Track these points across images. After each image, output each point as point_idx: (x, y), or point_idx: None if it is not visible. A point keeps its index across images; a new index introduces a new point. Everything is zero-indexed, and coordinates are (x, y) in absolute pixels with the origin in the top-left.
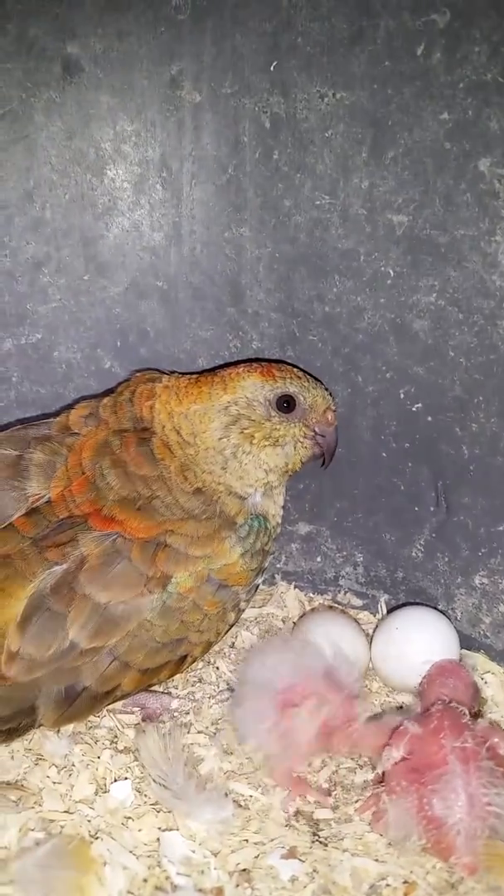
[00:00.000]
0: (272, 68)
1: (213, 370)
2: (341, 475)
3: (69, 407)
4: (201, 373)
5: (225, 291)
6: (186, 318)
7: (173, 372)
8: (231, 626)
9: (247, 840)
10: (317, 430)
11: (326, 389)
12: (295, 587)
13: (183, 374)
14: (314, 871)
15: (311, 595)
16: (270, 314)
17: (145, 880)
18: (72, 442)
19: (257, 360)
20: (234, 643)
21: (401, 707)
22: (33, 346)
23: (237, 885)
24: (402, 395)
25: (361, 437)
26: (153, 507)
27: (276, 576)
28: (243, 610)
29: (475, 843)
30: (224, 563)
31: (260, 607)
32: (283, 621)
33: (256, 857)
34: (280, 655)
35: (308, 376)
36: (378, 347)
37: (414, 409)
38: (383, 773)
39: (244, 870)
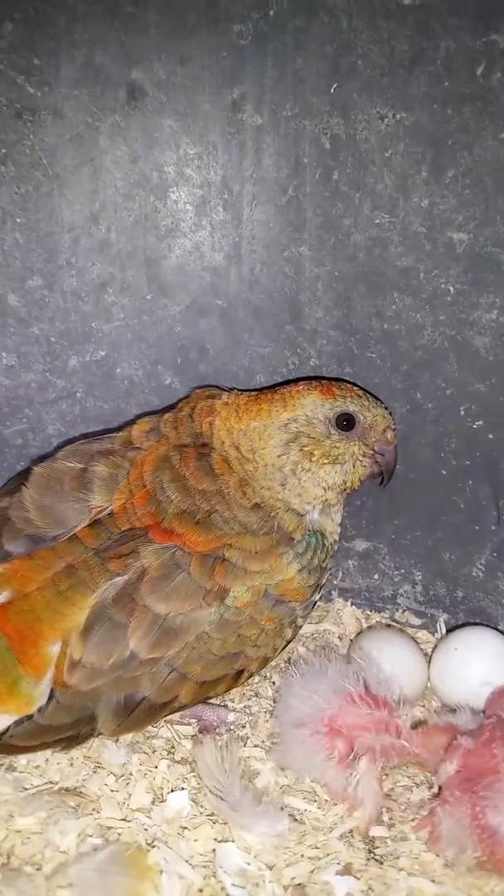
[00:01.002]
0: (332, 90)
1: (272, 387)
2: (400, 492)
3: (131, 422)
4: (261, 390)
5: (283, 309)
6: (245, 335)
7: (232, 389)
8: (288, 642)
9: (302, 855)
10: (376, 448)
11: (386, 408)
12: (352, 604)
13: (242, 391)
14: (369, 888)
15: (369, 612)
16: (329, 331)
17: (200, 890)
18: (133, 456)
19: (317, 377)
20: (290, 658)
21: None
22: (97, 363)
23: None
24: (462, 413)
25: (421, 454)
26: (212, 522)
27: (332, 592)
28: (300, 626)
29: None
30: (281, 578)
31: (317, 623)
32: (340, 638)
33: (311, 871)
34: (313, 684)
35: (368, 395)
36: (438, 364)
37: (475, 426)
38: (440, 789)
39: (299, 884)
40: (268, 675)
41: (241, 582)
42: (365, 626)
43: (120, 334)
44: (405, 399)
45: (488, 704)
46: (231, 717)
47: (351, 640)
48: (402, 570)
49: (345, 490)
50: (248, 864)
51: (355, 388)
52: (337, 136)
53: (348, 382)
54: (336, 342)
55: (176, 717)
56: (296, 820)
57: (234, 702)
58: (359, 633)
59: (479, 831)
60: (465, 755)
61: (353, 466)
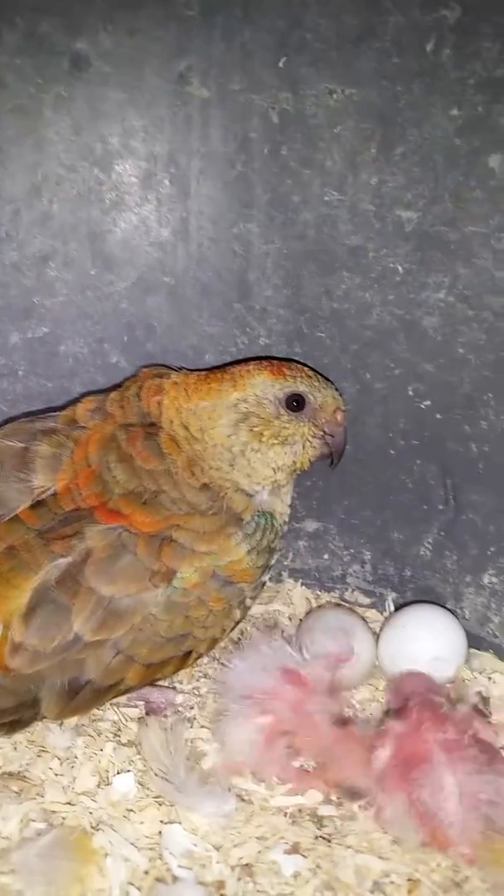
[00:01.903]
0: (281, 65)
1: (222, 367)
2: (349, 473)
3: (75, 401)
4: (210, 370)
5: (233, 287)
6: (194, 313)
7: (181, 368)
8: (237, 623)
9: (249, 835)
10: (326, 429)
11: (336, 389)
12: (302, 584)
13: (191, 370)
14: (317, 867)
15: (318, 592)
16: (278, 310)
17: (146, 872)
18: (78, 435)
19: (268, 358)
20: (239, 639)
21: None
22: (40, 340)
23: (239, 879)
24: (410, 393)
25: (369, 434)
26: (159, 502)
27: (282, 573)
28: (249, 607)
29: (470, 833)
30: (230, 559)
31: (266, 604)
32: (290, 618)
33: (259, 852)
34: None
35: (318, 376)
36: (387, 344)
37: (423, 406)
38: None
39: (246, 864)
40: (217, 656)
41: (189, 563)
42: (315, 606)
43: (63, 310)
44: (354, 379)
45: (400, 686)
46: (179, 698)
47: (300, 619)
48: (352, 550)
49: (294, 471)
50: (195, 845)
51: (306, 368)
52: (286, 111)
53: (298, 363)
54: (285, 321)
55: (122, 699)
56: (243, 800)
57: (182, 683)
58: (307, 612)
59: (419, 816)
60: (398, 739)
61: (303, 447)
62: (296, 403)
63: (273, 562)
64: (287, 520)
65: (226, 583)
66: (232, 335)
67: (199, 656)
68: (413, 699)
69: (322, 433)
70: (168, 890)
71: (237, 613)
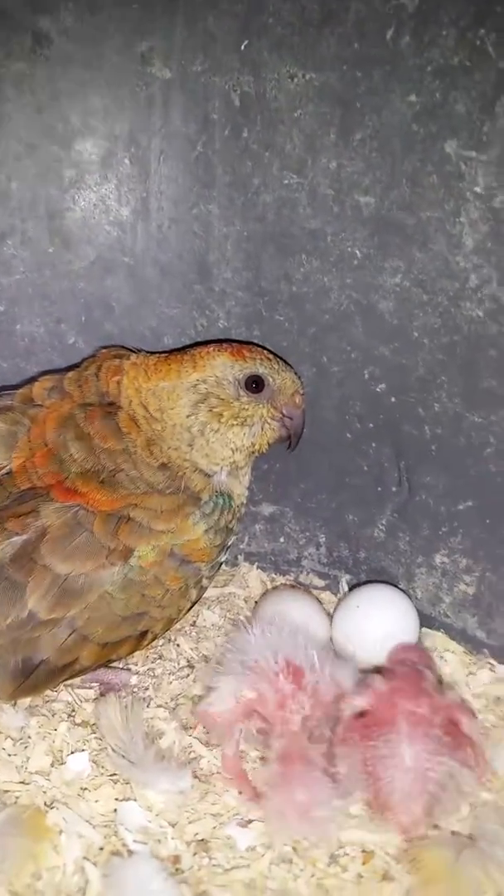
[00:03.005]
0: (243, 48)
1: (182, 349)
2: (306, 456)
3: (32, 380)
4: (170, 351)
5: (192, 269)
6: (153, 294)
7: (140, 350)
8: (193, 603)
9: (205, 811)
10: (284, 412)
11: (296, 373)
12: (258, 567)
13: (150, 352)
14: (272, 840)
15: (274, 576)
16: (237, 293)
17: (101, 848)
18: (34, 413)
19: (228, 340)
20: (195, 622)
21: None
22: None
23: (195, 854)
24: (366, 376)
25: (326, 417)
26: (117, 481)
27: (238, 556)
28: (205, 588)
29: (411, 804)
30: (188, 538)
31: (222, 587)
32: (245, 601)
33: (214, 827)
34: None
35: (278, 359)
36: (344, 328)
37: (378, 389)
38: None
39: (202, 840)
40: (172, 637)
41: (147, 541)
42: (270, 588)
43: (20, 289)
44: (312, 362)
45: (393, 655)
46: (134, 679)
47: (255, 602)
48: (307, 533)
49: (253, 453)
50: (150, 822)
51: (265, 351)
52: (247, 93)
53: (258, 346)
54: (245, 304)
55: (77, 681)
56: (199, 779)
57: (137, 665)
58: (263, 594)
59: (368, 777)
60: (372, 696)
61: (262, 429)
62: (255, 385)
63: (230, 543)
64: (244, 503)
65: (183, 562)
66: (191, 317)
67: (155, 637)
68: (402, 666)
69: (281, 415)
70: (123, 864)
71: (193, 594)
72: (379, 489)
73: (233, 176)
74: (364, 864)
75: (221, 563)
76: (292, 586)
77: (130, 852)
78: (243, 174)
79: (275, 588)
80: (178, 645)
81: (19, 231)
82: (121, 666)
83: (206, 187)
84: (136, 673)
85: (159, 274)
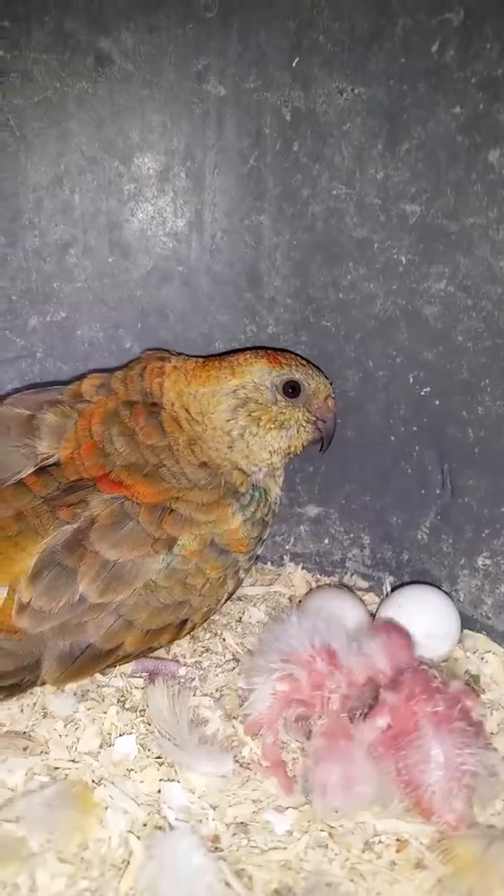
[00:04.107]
0: (294, 65)
1: (219, 356)
2: (351, 458)
3: (81, 377)
4: (207, 357)
5: (243, 277)
6: (205, 302)
7: (181, 354)
8: (230, 594)
9: (245, 797)
10: (318, 415)
11: (327, 378)
12: (303, 568)
13: (189, 356)
14: (309, 826)
15: (319, 576)
16: (286, 300)
17: (144, 824)
18: (82, 408)
19: (262, 347)
20: (241, 618)
21: None
22: (58, 324)
23: (234, 835)
24: (411, 380)
25: (371, 421)
26: (160, 475)
27: (284, 557)
28: (242, 580)
29: (453, 801)
30: (227, 528)
31: (268, 586)
32: (290, 599)
33: (254, 812)
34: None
35: (311, 364)
36: (389, 333)
37: (423, 393)
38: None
39: (241, 823)
40: (219, 632)
41: (189, 531)
42: (315, 587)
43: (81, 296)
44: (357, 367)
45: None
46: (182, 671)
47: (300, 601)
48: (352, 535)
49: (288, 454)
50: (192, 803)
51: (298, 357)
52: (297, 108)
53: (290, 352)
54: (293, 311)
55: (128, 670)
56: (241, 766)
57: (185, 658)
58: (307, 593)
59: (404, 786)
60: (391, 712)
61: (297, 432)
62: (291, 390)
63: (265, 535)
64: (278, 501)
65: (222, 551)
66: (241, 323)
67: (194, 626)
68: (406, 672)
69: (314, 419)
70: (165, 837)
71: (231, 584)
72: (422, 491)
73: (283, 188)
74: (398, 851)
75: (258, 556)
76: (335, 586)
77: (172, 828)
78: (293, 186)
79: (318, 587)
80: (223, 639)
81: (81, 242)
82: (170, 658)
83: (257, 199)
84: (185, 665)
85: (212, 282)
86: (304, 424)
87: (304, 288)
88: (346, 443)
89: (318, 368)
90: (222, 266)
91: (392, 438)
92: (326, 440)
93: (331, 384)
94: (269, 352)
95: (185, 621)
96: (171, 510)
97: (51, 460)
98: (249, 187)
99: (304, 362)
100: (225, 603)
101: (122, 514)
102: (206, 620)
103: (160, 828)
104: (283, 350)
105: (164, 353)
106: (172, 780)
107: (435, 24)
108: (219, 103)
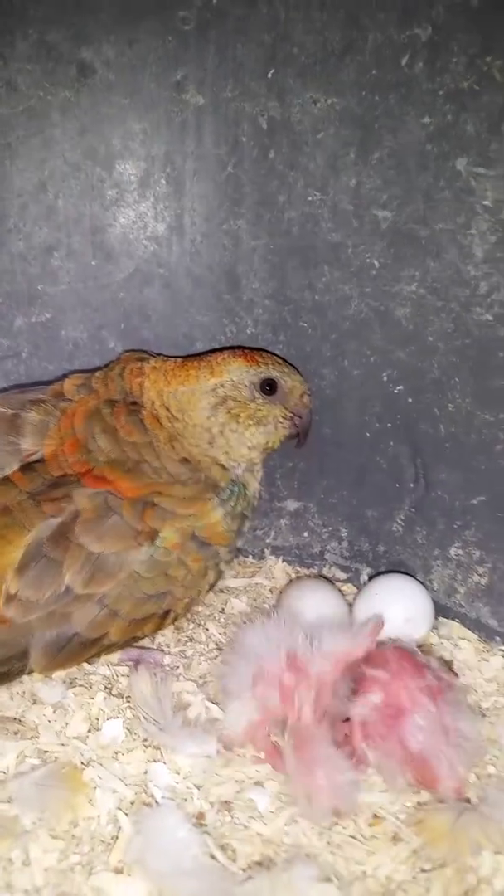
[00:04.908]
0: (269, 76)
1: (197, 356)
2: (328, 454)
3: (63, 377)
4: (185, 357)
5: (222, 280)
6: (186, 303)
7: (159, 354)
8: (211, 586)
9: (228, 777)
10: (294, 411)
11: (302, 376)
12: (283, 560)
13: (168, 357)
14: (290, 803)
15: (298, 568)
16: (264, 301)
17: (132, 802)
18: (65, 406)
19: (240, 347)
20: (224, 609)
21: None
22: (42, 325)
23: (218, 812)
24: (385, 378)
25: (347, 418)
26: (141, 471)
27: (265, 550)
28: (223, 571)
29: (457, 769)
30: (207, 521)
31: (250, 578)
32: (271, 591)
33: (237, 791)
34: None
35: (286, 363)
36: (363, 333)
37: (396, 390)
38: (356, 720)
39: (225, 801)
40: (202, 622)
41: (171, 524)
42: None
43: (65, 298)
44: (333, 366)
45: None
46: (167, 660)
47: (280, 592)
48: (330, 528)
49: (266, 450)
50: (178, 783)
51: (275, 356)
52: (273, 118)
53: (266, 351)
54: (271, 312)
55: (114, 659)
56: (225, 748)
57: (169, 647)
58: (287, 584)
59: (409, 760)
60: (383, 688)
61: (275, 428)
62: (268, 387)
63: (245, 528)
64: (258, 495)
65: (203, 544)
66: (221, 324)
67: (177, 617)
68: (389, 651)
69: (291, 415)
70: (152, 813)
71: (212, 576)
72: (397, 485)
73: (260, 194)
74: (372, 825)
75: (237, 549)
76: (314, 577)
77: (159, 805)
78: (270, 192)
79: (298, 578)
80: (207, 629)
81: (65, 245)
82: (155, 648)
83: (235, 204)
84: (169, 654)
85: (192, 284)
86: (280, 420)
87: (282, 290)
88: (323, 440)
89: (294, 367)
90: (202, 269)
91: (367, 435)
92: (303, 435)
93: (306, 381)
94: (246, 351)
95: (167, 612)
96: (153, 504)
97: (35, 457)
98: (228, 193)
99: (280, 361)
100: (207, 594)
101: (105, 508)
102: (188, 611)
103: (147, 805)
104: (260, 349)
105: (143, 354)
106: (158, 762)
107: (404, 39)
108: (197, 112)
